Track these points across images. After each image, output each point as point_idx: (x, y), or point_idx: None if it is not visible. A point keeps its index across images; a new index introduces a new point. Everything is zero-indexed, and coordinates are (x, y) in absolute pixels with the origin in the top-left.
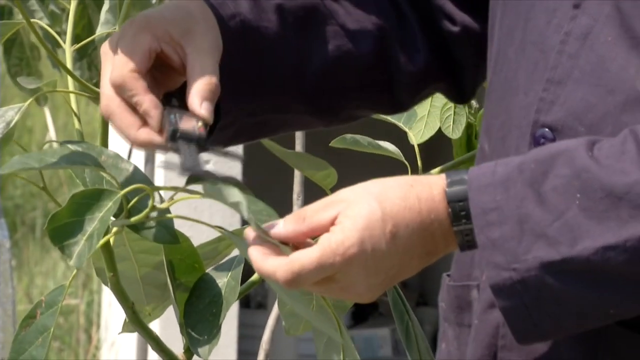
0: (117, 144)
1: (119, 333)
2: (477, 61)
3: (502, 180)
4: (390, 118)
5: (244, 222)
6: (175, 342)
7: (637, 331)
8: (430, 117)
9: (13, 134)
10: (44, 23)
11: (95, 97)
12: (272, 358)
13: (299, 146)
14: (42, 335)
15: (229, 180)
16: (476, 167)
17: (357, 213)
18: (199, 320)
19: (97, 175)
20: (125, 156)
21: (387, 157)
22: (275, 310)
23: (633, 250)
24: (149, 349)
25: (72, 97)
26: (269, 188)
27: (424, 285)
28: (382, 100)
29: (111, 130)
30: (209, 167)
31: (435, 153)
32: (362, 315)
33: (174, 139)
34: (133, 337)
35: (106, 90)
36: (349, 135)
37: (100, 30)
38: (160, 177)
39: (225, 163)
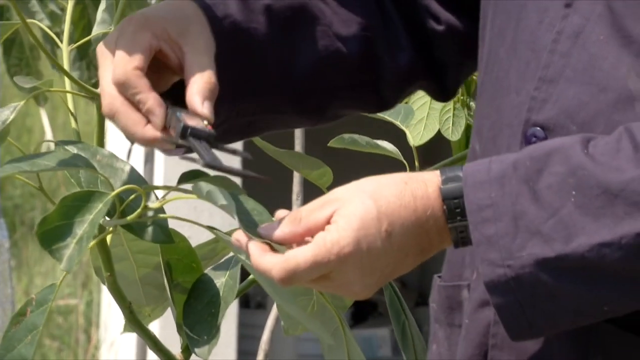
0: (115, 143)
1: (121, 333)
2: (460, 60)
3: (497, 177)
4: (387, 117)
5: None
6: (174, 342)
7: (628, 329)
8: (429, 119)
9: (8, 132)
10: (44, 23)
11: (92, 97)
12: (272, 358)
13: (298, 146)
14: (31, 333)
15: (238, 174)
16: (471, 164)
17: (352, 212)
18: (198, 320)
19: (93, 176)
20: (124, 156)
21: (386, 157)
22: (274, 310)
23: (628, 247)
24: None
25: (70, 97)
26: (269, 188)
27: (423, 285)
28: (368, 99)
29: (109, 130)
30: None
31: (435, 153)
32: (361, 315)
33: (185, 136)
34: (132, 337)
35: (108, 88)
36: (347, 135)
37: (96, 30)
38: (159, 177)
39: (224, 163)
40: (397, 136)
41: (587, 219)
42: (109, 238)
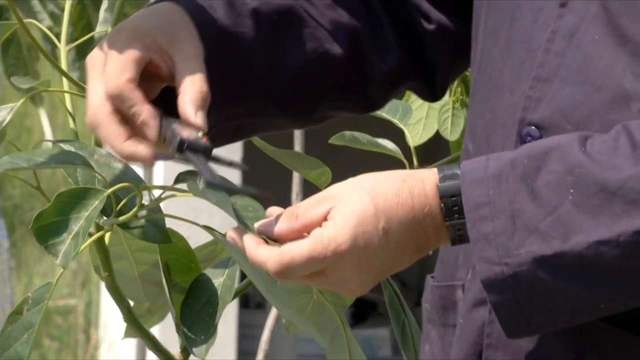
0: None
1: (122, 338)
2: (451, 59)
3: (494, 175)
4: (385, 115)
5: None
6: (174, 342)
7: (623, 327)
8: (428, 119)
9: (5, 133)
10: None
11: None
12: (272, 358)
13: (297, 146)
14: (27, 331)
15: (239, 192)
16: (468, 161)
17: (349, 209)
18: (196, 320)
19: (90, 175)
20: None
21: (385, 156)
22: (274, 310)
23: (626, 245)
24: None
25: (68, 97)
26: (268, 188)
27: (423, 285)
28: (357, 100)
29: None
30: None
31: (434, 153)
32: (361, 315)
33: (182, 150)
34: (132, 338)
35: (93, 100)
36: (348, 133)
37: (99, 29)
38: (159, 176)
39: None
40: (395, 135)
41: (585, 216)
42: (107, 238)
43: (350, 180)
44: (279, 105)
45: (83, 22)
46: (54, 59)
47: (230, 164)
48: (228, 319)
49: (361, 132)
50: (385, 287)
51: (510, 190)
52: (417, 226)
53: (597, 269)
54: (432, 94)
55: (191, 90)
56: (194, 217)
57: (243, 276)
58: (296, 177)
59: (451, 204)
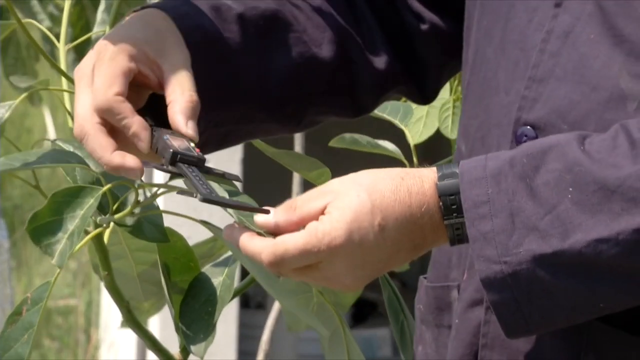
0: None
1: (118, 328)
2: (442, 60)
3: (493, 174)
4: (386, 116)
5: None
6: (174, 342)
7: (620, 327)
8: (428, 117)
9: (4, 129)
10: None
11: None
12: (272, 358)
13: (298, 146)
14: (27, 332)
15: (237, 207)
16: (467, 160)
17: (346, 204)
18: (195, 319)
19: (88, 174)
20: None
21: (386, 157)
22: (274, 311)
23: (625, 243)
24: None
25: (67, 96)
26: (269, 188)
27: None
28: (345, 105)
29: None
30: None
31: (435, 152)
32: (361, 315)
33: (174, 162)
34: (132, 337)
35: (81, 111)
36: (348, 135)
37: (96, 29)
38: (159, 175)
39: (224, 164)
40: (396, 136)
41: (584, 215)
42: (106, 237)
43: (350, 175)
44: (267, 110)
45: (82, 22)
46: (53, 59)
47: (222, 175)
48: (228, 319)
49: (362, 133)
50: (384, 287)
51: (509, 189)
52: (414, 224)
53: (596, 268)
54: (422, 97)
55: (181, 100)
56: (194, 216)
57: (243, 275)
58: (296, 178)
59: (450, 203)
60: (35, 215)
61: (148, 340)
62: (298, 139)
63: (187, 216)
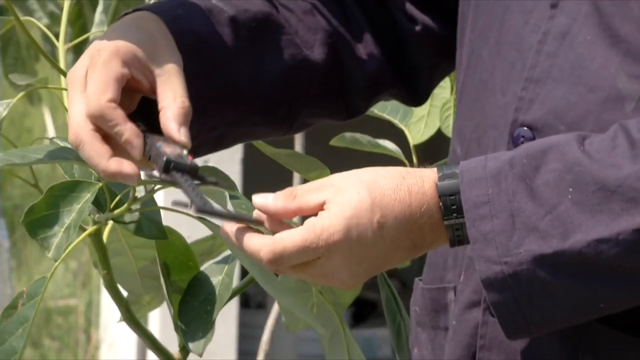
0: None
1: (117, 322)
2: (434, 61)
3: (493, 174)
4: (386, 115)
5: None
6: (174, 343)
7: (618, 328)
8: (429, 116)
9: (1, 128)
10: (42, 22)
11: None
12: (272, 358)
13: (298, 146)
14: (22, 326)
15: (232, 217)
16: (467, 161)
17: (346, 200)
18: (194, 317)
19: (86, 172)
20: None
21: (386, 157)
22: (275, 310)
23: (625, 243)
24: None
25: (66, 95)
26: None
27: None
28: (337, 107)
29: None
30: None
31: (435, 152)
32: (361, 315)
33: (168, 170)
34: (132, 337)
35: (75, 118)
36: (348, 134)
37: (94, 30)
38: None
39: (224, 163)
40: (396, 135)
41: (584, 215)
42: (105, 235)
43: (352, 171)
44: (260, 113)
45: (80, 21)
46: (52, 59)
47: (216, 183)
48: (228, 319)
49: (362, 132)
50: (382, 287)
51: (509, 189)
52: (413, 224)
53: (596, 268)
54: (414, 99)
55: (173, 106)
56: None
57: (242, 274)
58: (296, 178)
59: (450, 203)
60: (32, 209)
61: (147, 339)
62: (298, 139)
63: (186, 213)
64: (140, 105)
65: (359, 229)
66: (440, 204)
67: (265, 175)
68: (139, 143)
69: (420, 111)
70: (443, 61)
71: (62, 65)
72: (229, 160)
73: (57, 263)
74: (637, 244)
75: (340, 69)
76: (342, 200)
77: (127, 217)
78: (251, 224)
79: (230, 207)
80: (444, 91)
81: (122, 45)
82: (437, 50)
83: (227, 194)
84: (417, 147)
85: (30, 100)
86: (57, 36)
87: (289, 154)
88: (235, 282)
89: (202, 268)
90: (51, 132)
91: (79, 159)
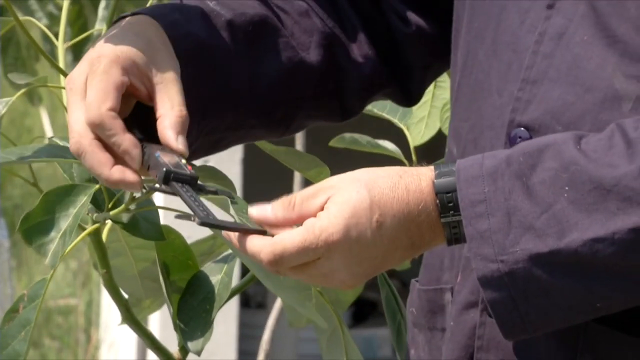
0: None
1: (119, 324)
2: (427, 62)
3: (489, 172)
4: (386, 115)
5: None
6: (174, 342)
7: (616, 328)
8: (430, 117)
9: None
10: (42, 22)
11: None
12: (272, 358)
13: (299, 145)
14: (24, 329)
15: (235, 229)
16: (464, 159)
17: (345, 200)
18: (193, 317)
19: (85, 171)
20: None
21: (387, 156)
22: (275, 310)
23: (621, 242)
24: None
25: (65, 94)
26: (269, 189)
27: None
28: (333, 108)
29: None
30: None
31: (436, 152)
32: (361, 315)
33: (168, 181)
34: (132, 337)
35: (76, 127)
36: (347, 135)
37: (98, 27)
38: None
39: (224, 163)
40: (396, 136)
41: (580, 214)
42: (105, 234)
43: (349, 173)
44: (257, 116)
45: (80, 21)
46: (52, 59)
47: (215, 192)
48: (229, 319)
49: (362, 132)
50: (382, 286)
51: (505, 187)
52: (412, 223)
53: (592, 267)
54: (407, 99)
55: (171, 115)
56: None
57: (242, 273)
58: (297, 178)
59: (446, 201)
60: (28, 216)
61: (147, 339)
62: (299, 138)
63: (184, 212)
64: (135, 110)
65: (358, 229)
66: (437, 201)
67: (265, 175)
68: (137, 153)
69: (420, 112)
70: (436, 61)
71: (61, 64)
72: (229, 161)
73: (56, 264)
74: (633, 243)
75: (335, 70)
76: (341, 200)
77: (125, 217)
78: (254, 234)
79: (232, 212)
80: (444, 92)
81: (122, 53)
82: (431, 51)
83: (229, 199)
84: (416, 146)
85: (31, 99)
86: (57, 36)
87: (287, 151)
88: (235, 281)
89: (200, 268)
90: (49, 132)
91: (76, 157)
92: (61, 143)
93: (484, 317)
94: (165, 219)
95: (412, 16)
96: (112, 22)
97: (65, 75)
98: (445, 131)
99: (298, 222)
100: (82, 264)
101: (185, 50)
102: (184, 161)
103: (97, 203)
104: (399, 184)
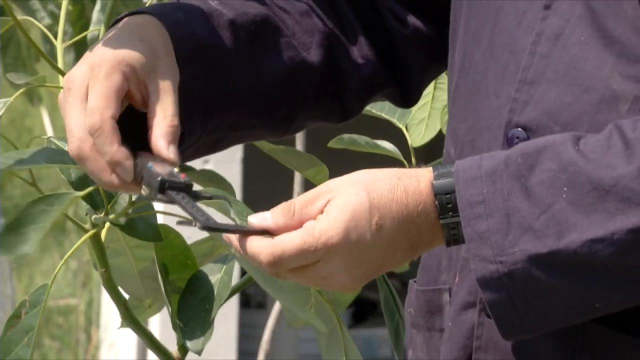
0: None
1: (118, 328)
2: (425, 63)
3: (488, 173)
4: (385, 115)
5: None
6: (174, 342)
7: (614, 328)
8: (430, 119)
9: None
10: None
11: None
12: (272, 358)
13: (299, 145)
14: (27, 334)
15: (236, 232)
16: (462, 160)
17: (345, 202)
18: (192, 316)
19: (83, 173)
20: None
21: (387, 157)
22: (275, 310)
23: (620, 243)
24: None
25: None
26: (269, 188)
27: None
28: (333, 109)
29: None
30: (209, 166)
31: (436, 152)
32: (361, 315)
33: (163, 190)
34: (132, 337)
35: (77, 132)
36: (346, 135)
37: (92, 29)
38: None
39: (224, 164)
40: (396, 136)
41: (579, 215)
42: (104, 234)
43: (347, 175)
44: (258, 116)
45: (82, 21)
46: (52, 59)
47: (210, 197)
48: (229, 319)
49: (362, 133)
50: (381, 286)
51: (504, 188)
52: (411, 224)
53: (591, 267)
54: (405, 100)
55: (162, 125)
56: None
57: (242, 273)
58: (297, 178)
59: (445, 202)
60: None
61: (146, 338)
62: (299, 139)
63: (181, 216)
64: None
65: (357, 232)
66: (436, 202)
67: (265, 174)
68: (130, 164)
69: (420, 114)
70: (434, 63)
71: (60, 64)
72: (229, 160)
73: (57, 268)
74: (632, 243)
75: (336, 70)
76: (340, 202)
77: (123, 219)
78: (256, 235)
79: (233, 215)
80: (444, 94)
81: (123, 59)
82: (428, 53)
83: (228, 202)
84: (416, 147)
85: (31, 100)
86: (56, 36)
87: (286, 150)
88: (235, 280)
89: (200, 267)
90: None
91: (74, 162)
92: (59, 143)
93: (482, 318)
94: (164, 218)
95: (409, 17)
96: (114, 22)
97: (61, 73)
98: (446, 132)
99: (298, 228)
100: (82, 264)
101: (187, 49)
102: (176, 170)
103: (96, 205)
104: (398, 185)
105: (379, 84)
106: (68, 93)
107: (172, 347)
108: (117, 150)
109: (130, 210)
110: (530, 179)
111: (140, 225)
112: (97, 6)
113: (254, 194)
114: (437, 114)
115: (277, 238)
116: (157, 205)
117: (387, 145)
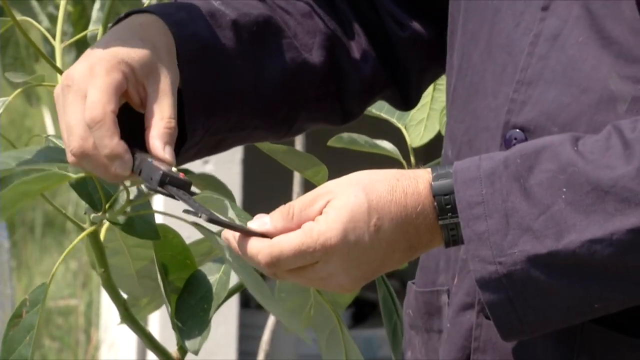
0: None
1: (118, 324)
2: (424, 65)
3: (487, 174)
4: (384, 115)
5: None
6: (174, 342)
7: (613, 328)
8: (429, 120)
9: None
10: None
11: None
12: (272, 358)
13: (299, 146)
14: (29, 333)
15: (240, 229)
16: (461, 161)
17: (343, 204)
18: (190, 315)
19: (80, 172)
20: None
21: (387, 157)
22: None
23: (619, 243)
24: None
25: None
26: (269, 188)
27: None
28: (334, 110)
29: None
30: (209, 167)
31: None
32: (361, 315)
33: (163, 184)
34: (132, 338)
35: (78, 130)
36: (346, 134)
37: (91, 27)
38: None
39: (224, 164)
40: (395, 136)
41: (578, 215)
42: (102, 234)
43: (346, 176)
44: (260, 116)
45: (83, 21)
46: (51, 59)
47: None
48: (228, 319)
49: (361, 132)
50: (379, 286)
51: (503, 189)
52: (409, 225)
53: (590, 268)
54: (405, 102)
55: (159, 126)
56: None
57: None
58: (297, 178)
59: (444, 203)
60: None
61: (145, 338)
62: (299, 139)
63: (178, 217)
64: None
65: (356, 233)
66: (435, 204)
67: (265, 175)
68: (129, 159)
69: (419, 115)
70: (433, 65)
71: (59, 64)
72: (229, 161)
73: (56, 265)
74: (631, 244)
75: (337, 72)
76: (339, 204)
77: (121, 218)
78: (258, 236)
79: (232, 215)
80: (443, 95)
81: (122, 59)
82: (427, 54)
83: (227, 203)
84: (415, 147)
85: (29, 100)
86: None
87: (286, 150)
88: (233, 280)
89: (199, 267)
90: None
91: None
92: (58, 142)
93: (480, 319)
94: (163, 218)
95: (408, 20)
96: (115, 20)
97: (60, 72)
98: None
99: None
100: (82, 265)
101: (190, 49)
102: (174, 169)
103: (94, 203)
104: (397, 187)
105: (380, 86)
106: (67, 90)
107: (172, 348)
108: (117, 144)
109: (128, 209)
110: (529, 180)
111: (138, 224)
112: (97, 5)
113: (253, 194)
114: (436, 115)
115: (276, 239)
116: (156, 205)
117: (386, 145)
